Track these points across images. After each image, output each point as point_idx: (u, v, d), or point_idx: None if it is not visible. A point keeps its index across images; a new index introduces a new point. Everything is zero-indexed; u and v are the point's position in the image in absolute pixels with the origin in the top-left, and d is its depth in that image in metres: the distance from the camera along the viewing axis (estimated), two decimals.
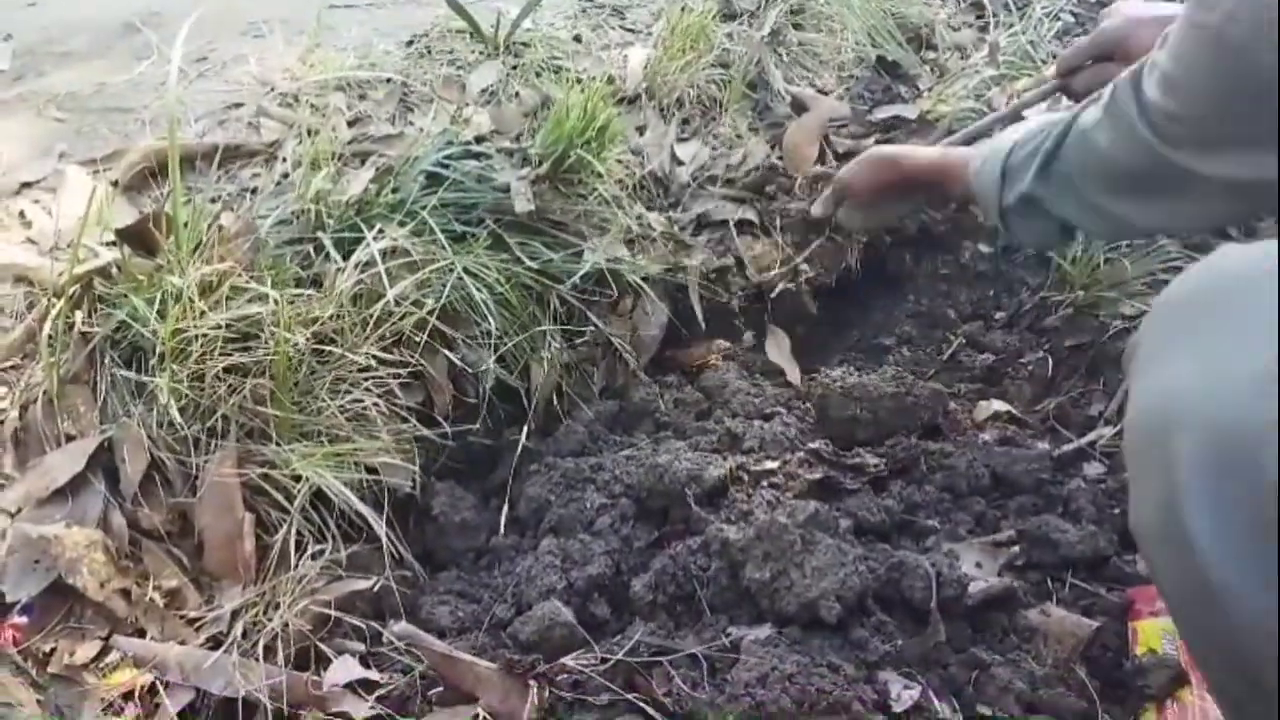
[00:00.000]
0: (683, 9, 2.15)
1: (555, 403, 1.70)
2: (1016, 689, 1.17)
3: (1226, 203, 1.10)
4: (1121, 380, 1.67)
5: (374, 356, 1.43)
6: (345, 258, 1.48)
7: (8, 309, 1.42)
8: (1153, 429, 0.77)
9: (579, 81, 1.95)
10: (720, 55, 2.15)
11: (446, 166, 1.68)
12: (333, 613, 1.28)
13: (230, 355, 1.34)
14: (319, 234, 1.54)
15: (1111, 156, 1.16)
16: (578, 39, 2.19)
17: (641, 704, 1.16)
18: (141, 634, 1.22)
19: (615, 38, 2.26)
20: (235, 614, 1.25)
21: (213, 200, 1.60)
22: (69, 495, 1.27)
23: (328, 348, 1.41)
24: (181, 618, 1.25)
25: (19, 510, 1.24)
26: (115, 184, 1.61)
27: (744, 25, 2.28)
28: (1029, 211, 1.33)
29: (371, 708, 1.17)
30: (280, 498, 1.34)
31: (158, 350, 1.33)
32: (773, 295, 1.88)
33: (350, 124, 1.84)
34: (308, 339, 1.37)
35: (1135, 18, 1.51)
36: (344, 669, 1.22)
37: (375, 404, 1.43)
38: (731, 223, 1.89)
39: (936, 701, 1.16)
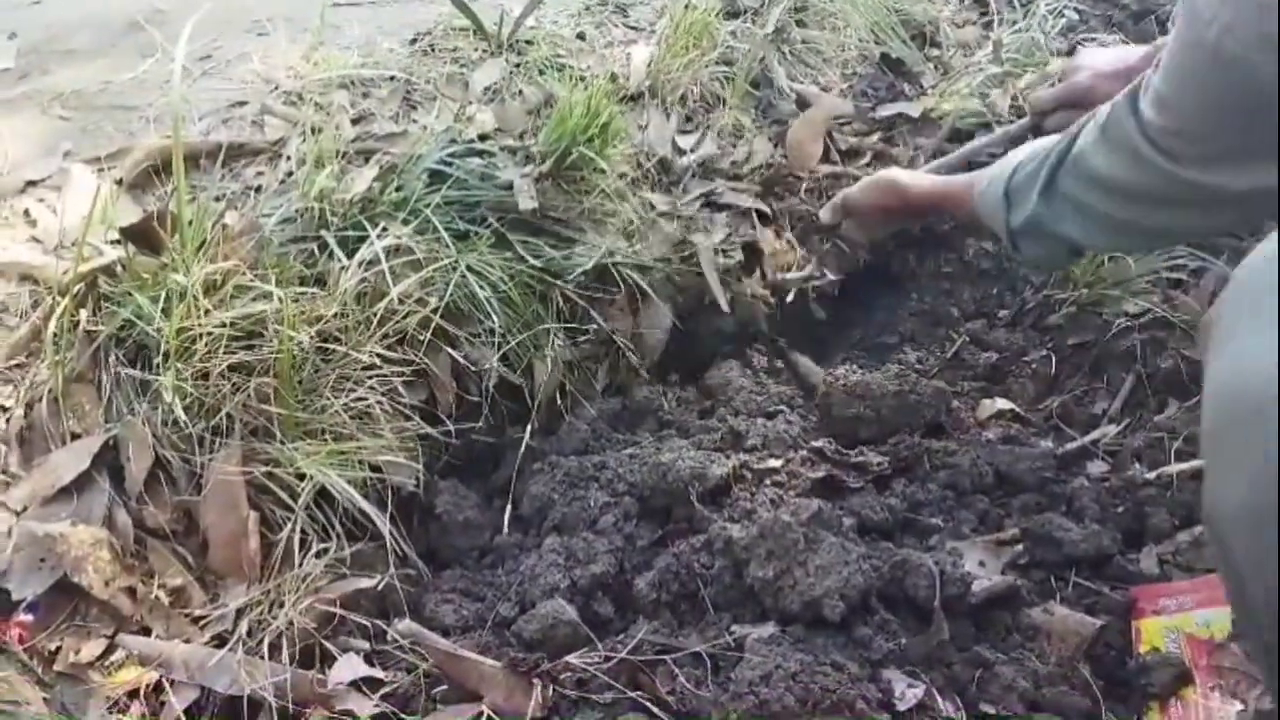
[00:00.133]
0: (686, 6, 2.15)
1: (558, 401, 1.70)
2: (1020, 688, 1.17)
3: (1234, 211, 1.10)
4: (1125, 378, 1.67)
5: (378, 355, 1.44)
6: (349, 256, 1.48)
7: (13, 307, 1.43)
8: (1245, 402, 0.73)
9: (582, 79, 1.95)
10: (724, 53, 2.15)
11: (450, 164, 1.68)
12: (337, 611, 1.28)
13: (234, 353, 1.34)
14: (323, 232, 1.54)
15: (1111, 174, 1.16)
16: (581, 36, 2.19)
17: (645, 702, 1.16)
18: (147, 632, 1.23)
19: (618, 35, 2.25)
20: (240, 612, 1.26)
21: (217, 198, 1.61)
22: (74, 493, 1.27)
23: (332, 346, 1.41)
24: (186, 616, 1.25)
25: (24, 508, 1.25)
26: (120, 182, 1.62)
27: (747, 22, 2.28)
28: (1036, 233, 1.32)
29: (376, 705, 1.18)
30: (284, 496, 1.34)
31: (162, 348, 1.33)
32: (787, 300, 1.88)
33: (354, 122, 1.84)
34: (312, 337, 1.38)
35: (1099, 71, 1.64)
36: (348, 667, 1.22)
37: (379, 402, 1.43)
38: (752, 213, 1.90)
39: (940, 700, 1.16)
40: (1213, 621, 1.20)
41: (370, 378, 1.43)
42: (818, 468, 1.51)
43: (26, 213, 1.57)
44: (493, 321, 1.56)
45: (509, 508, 1.52)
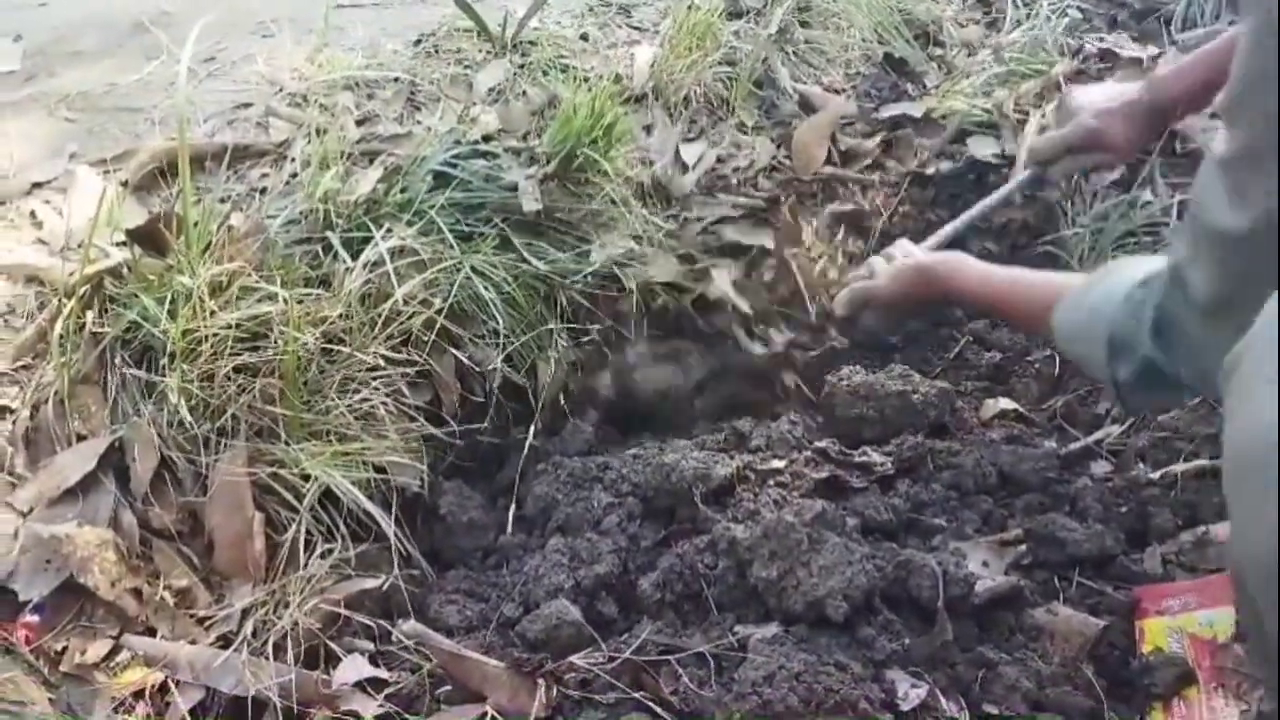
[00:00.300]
0: (689, 7, 2.16)
1: (562, 402, 1.70)
2: (1023, 688, 1.17)
3: None
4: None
5: (382, 356, 1.44)
6: (354, 257, 1.49)
7: (19, 309, 1.43)
8: (1271, 449, 0.71)
9: (586, 80, 1.96)
10: (727, 53, 2.15)
11: (454, 166, 1.68)
12: (342, 611, 1.28)
13: (240, 355, 1.35)
14: (328, 233, 1.54)
15: (1217, 231, 0.95)
16: (585, 38, 2.20)
17: (649, 702, 1.16)
18: (152, 633, 1.23)
19: (622, 36, 2.26)
20: (245, 613, 1.26)
21: (222, 200, 1.61)
22: (80, 495, 1.28)
23: (336, 347, 1.42)
24: (192, 617, 1.26)
25: (30, 510, 1.25)
26: (125, 184, 1.62)
27: (751, 23, 2.28)
28: (1151, 381, 1.13)
29: (380, 706, 1.18)
30: (289, 497, 1.34)
31: (168, 350, 1.34)
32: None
33: (358, 123, 1.84)
34: (317, 338, 1.38)
35: (1101, 109, 1.61)
36: (353, 667, 1.22)
37: (383, 403, 1.44)
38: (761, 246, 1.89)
39: (944, 700, 1.16)
40: (1216, 622, 1.20)
41: (375, 379, 1.44)
42: (821, 468, 1.51)
43: (32, 214, 1.58)
44: (497, 322, 1.57)
45: (513, 508, 1.53)
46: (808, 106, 2.14)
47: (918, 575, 1.26)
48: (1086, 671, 1.20)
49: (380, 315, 1.44)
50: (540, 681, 1.19)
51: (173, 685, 1.17)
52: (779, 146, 2.05)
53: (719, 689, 1.16)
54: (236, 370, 1.35)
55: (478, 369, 1.58)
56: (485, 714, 1.17)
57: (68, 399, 1.34)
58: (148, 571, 1.27)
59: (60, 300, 1.39)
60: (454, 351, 1.56)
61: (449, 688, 1.21)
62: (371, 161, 1.70)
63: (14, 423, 1.32)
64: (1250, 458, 0.75)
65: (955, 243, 1.75)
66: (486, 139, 1.80)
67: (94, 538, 1.23)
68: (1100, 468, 1.53)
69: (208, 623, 1.26)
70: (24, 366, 1.38)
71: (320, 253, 1.54)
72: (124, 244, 1.44)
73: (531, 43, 2.11)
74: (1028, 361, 1.80)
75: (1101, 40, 2.31)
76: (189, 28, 1.46)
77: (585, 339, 1.73)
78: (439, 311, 1.50)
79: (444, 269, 1.53)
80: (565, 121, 1.73)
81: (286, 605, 1.26)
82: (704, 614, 1.30)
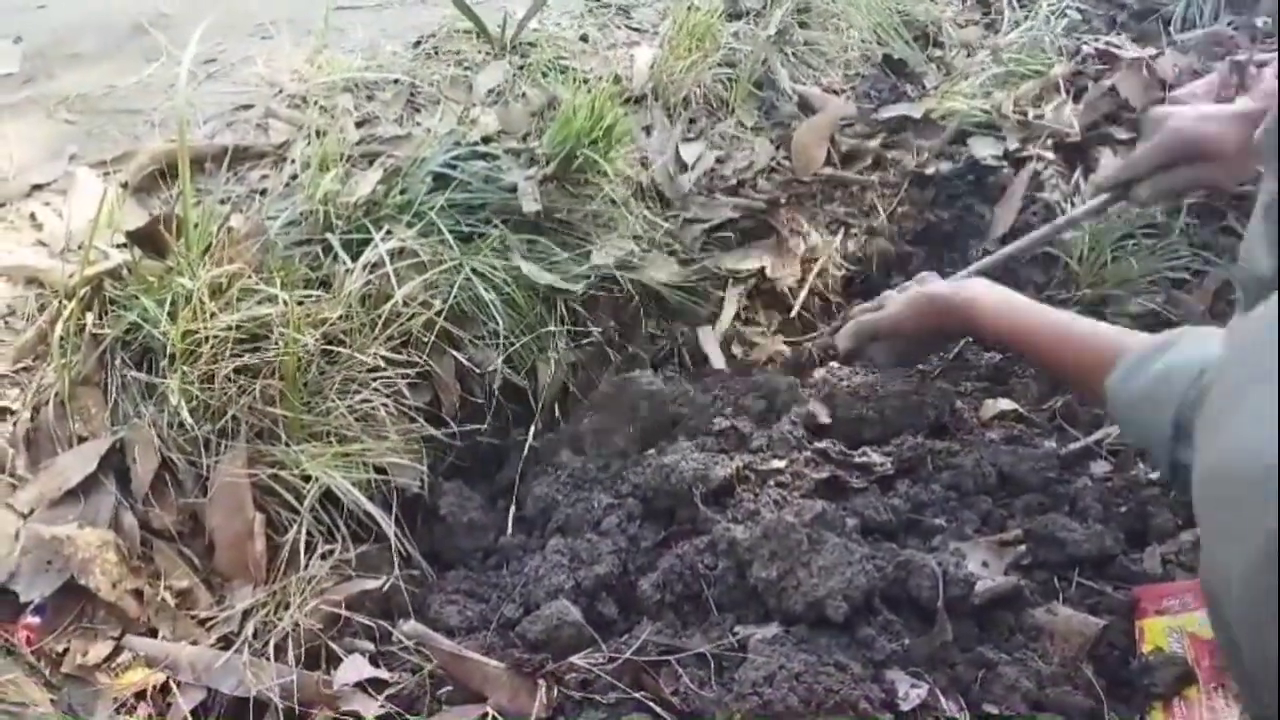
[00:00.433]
0: (689, 8, 2.16)
1: (562, 402, 1.70)
2: (1023, 688, 1.17)
3: None
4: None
5: (382, 357, 1.44)
6: (354, 259, 1.49)
7: (19, 311, 1.43)
8: (1241, 490, 0.69)
9: (585, 81, 1.96)
10: (726, 54, 2.16)
11: (454, 167, 1.68)
12: (342, 612, 1.29)
13: (240, 356, 1.35)
14: (328, 235, 1.55)
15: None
16: (584, 39, 2.20)
17: (649, 703, 1.16)
18: (153, 634, 1.23)
19: (621, 37, 2.26)
20: (246, 614, 1.26)
21: (222, 202, 1.61)
22: (81, 496, 1.28)
23: (336, 348, 1.42)
24: (193, 618, 1.26)
25: (31, 511, 1.25)
26: (125, 186, 1.62)
27: (750, 24, 2.28)
28: None
29: (381, 706, 1.18)
30: (290, 498, 1.34)
31: (168, 351, 1.34)
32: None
33: (358, 125, 1.84)
34: (317, 340, 1.38)
35: (1200, 114, 1.42)
36: (354, 668, 1.22)
37: (384, 404, 1.44)
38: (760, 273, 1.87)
39: (943, 700, 1.16)
40: None
41: (375, 380, 1.44)
42: (821, 469, 1.51)
43: (32, 216, 1.58)
44: (497, 324, 1.57)
45: (513, 509, 1.53)
46: (807, 107, 2.14)
47: (917, 575, 1.27)
48: (1086, 671, 1.20)
49: (380, 316, 1.44)
50: (541, 682, 1.20)
51: (174, 686, 1.17)
52: (778, 147, 2.05)
53: (719, 689, 1.16)
54: (237, 372, 1.35)
55: (478, 370, 1.58)
56: (486, 714, 1.17)
57: (68, 400, 1.34)
58: (149, 573, 1.28)
59: (60, 302, 1.39)
60: (454, 353, 1.56)
61: (450, 688, 1.21)
62: (371, 163, 1.70)
63: (15, 424, 1.32)
64: (1228, 483, 0.74)
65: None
66: (486, 140, 1.80)
67: (95, 539, 1.23)
68: (1100, 468, 1.53)
69: (209, 624, 1.26)
70: (24, 368, 1.38)
71: (320, 254, 1.54)
72: (124, 246, 1.44)
73: (531, 44, 2.11)
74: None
75: (1100, 41, 2.32)
76: (188, 30, 1.46)
77: (586, 340, 1.73)
78: (439, 313, 1.51)
79: (444, 270, 1.54)
80: (565, 123, 1.73)
81: (287, 606, 1.26)
82: (704, 614, 1.30)
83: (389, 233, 1.53)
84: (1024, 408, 1.69)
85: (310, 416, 1.39)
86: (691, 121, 2.07)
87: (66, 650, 1.18)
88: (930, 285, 1.54)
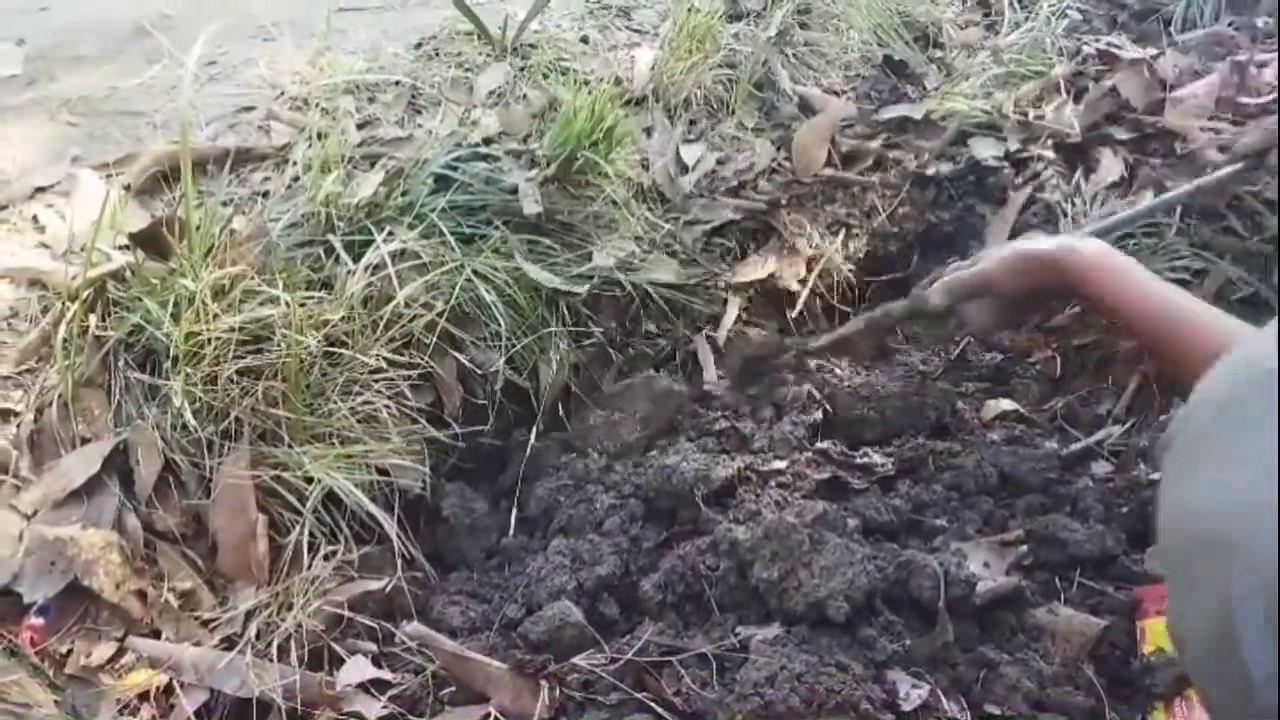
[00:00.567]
0: (689, 10, 2.16)
1: (564, 403, 1.71)
2: (1025, 688, 1.17)
3: None
4: (1129, 379, 1.67)
5: (384, 358, 1.45)
6: (355, 260, 1.49)
7: (22, 313, 1.44)
8: (1199, 544, 0.70)
9: (586, 83, 1.96)
10: (727, 56, 2.16)
11: (455, 169, 1.69)
12: (345, 613, 1.29)
13: (243, 358, 1.35)
14: (329, 237, 1.55)
15: None
16: (585, 40, 2.20)
17: (651, 703, 1.17)
18: (157, 635, 1.24)
19: (622, 39, 2.26)
20: (249, 615, 1.27)
21: (224, 204, 1.62)
22: (84, 497, 1.28)
23: (339, 350, 1.42)
24: (196, 619, 1.26)
25: (35, 512, 1.26)
26: (128, 188, 1.63)
27: (750, 26, 2.29)
28: None
29: (384, 707, 1.19)
30: (293, 499, 1.35)
31: (171, 353, 1.34)
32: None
33: (359, 127, 1.85)
34: (319, 341, 1.39)
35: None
36: (356, 669, 1.23)
37: (386, 406, 1.44)
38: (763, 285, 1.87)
39: (945, 701, 1.16)
40: None
41: (377, 381, 1.44)
42: (822, 469, 1.51)
43: (35, 218, 1.58)
44: (498, 325, 1.57)
45: (515, 510, 1.53)
46: (807, 109, 2.14)
47: (919, 576, 1.27)
48: (1088, 671, 1.21)
49: (382, 318, 1.45)
50: (543, 682, 1.20)
51: (177, 687, 1.18)
52: (779, 148, 2.05)
53: (721, 690, 1.16)
54: (239, 373, 1.35)
55: (479, 371, 1.58)
56: (488, 715, 1.17)
57: (71, 402, 1.34)
58: (152, 574, 1.28)
59: (63, 304, 1.40)
60: (456, 354, 1.57)
61: (452, 689, 1.22)
62: (373, 165, 1.71)
63: (18, 426, 1.33)
64: (1186, 540, 0.74)
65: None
66: (487, 142, 1.80)
67: (98, 540, 1.23)
68: (1101, 468, 1.53)
69: (212, 625, 1.26)
70: (28, 370, 1.38)
71: (322, 256, 1.54)
72: (126, 248, 1.44)
73: (532, 46, 2.12)
74: (1029, 363, 1.81)
75: (1100, 41, 2.32)
76: (190, 32, 1.47)
77: (587, 341, 1.73)
78: (441, 314, 1.51)
79: (445, 272, 1.54)
80: (566, 124, 1.73)
81: (290, 607, 1.26)
82: (706, 615, 1.31)
83: (390, 234, 1.53)
84: (1025, 408, 1.69)
85: (313, 418, 1.40)
86: (692, 123, 2.07)
87: (70, 651, 1.18)
88: (1034, 242, 1.43)
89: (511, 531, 1.51)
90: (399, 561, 1.37)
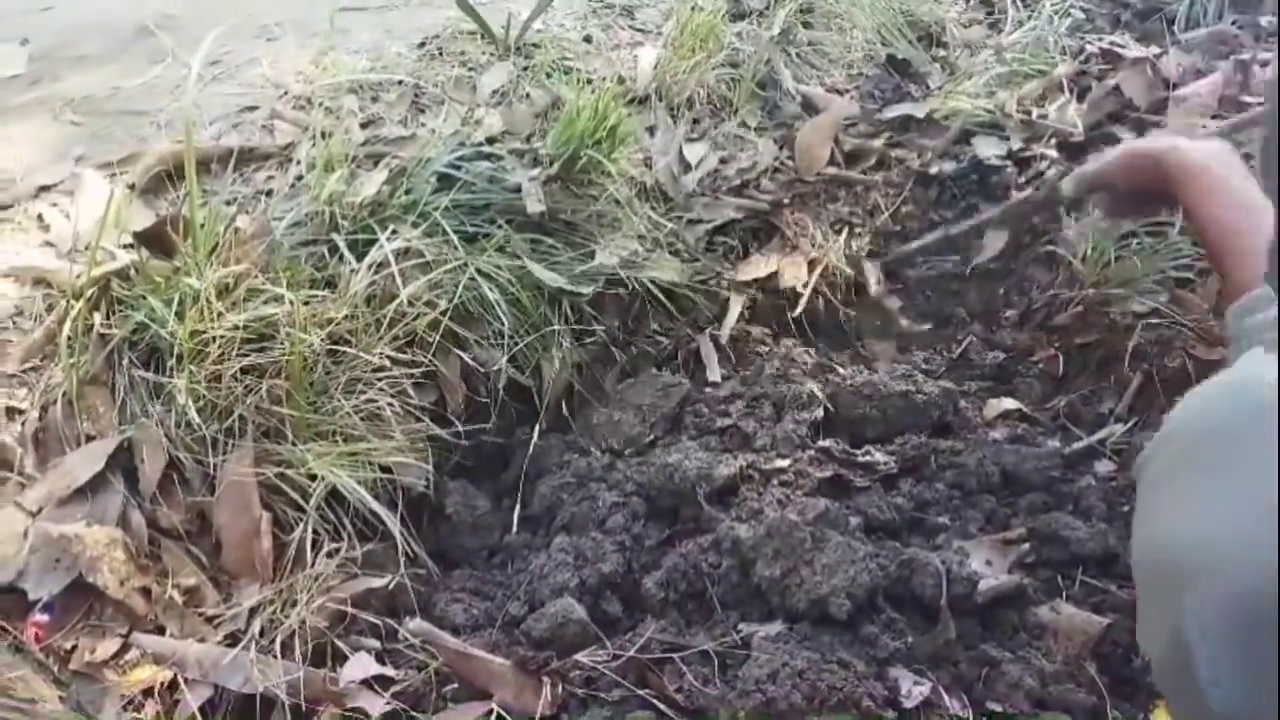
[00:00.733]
0: (692, 9, 2.16)
1: (567, 401, 1.71)
2: (1026, 686, 1.17)
3: None
4: (1132, 377, 1.67)
5: (388, 357, 1.45)
6: (359, 259, 1.49)
7: (27, 311, 1.44)
8: (1160, 573, 0.73)
9: (589, 82, 1.96)
10: (730, 55, 2.16)
11: (458, 168, 1.69)
12: (348, 610, 1.29)
13: (247, 356, 1.36)
14: (333, 235, 1.55)
15: None
16: (588, 39, 2.20)
17: (653, 700, 1.17)
18: (161, 631, 1.24)
19: (625, 38, 2.27)
20: (253, 611, 1.27)
21: (228, 203, 1.62)
22: (89, 494, 1.29)
23: (342, 348, 1.42)
24: (200, 615, 1.27)
25: (40, 509, 1.26)
26: (132, 187, 1.63)
27: (753, 24, 2.29)
28: None
29: (387, 703, 1.19)
30: (296, 497, 1.35)
31: (175, 351, 1.35)
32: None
33: (363, 126, 1.85)
34: (323, 340, 1.39)
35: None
36: (360, 665, 1.23)
37: (389, 404, 1.45)
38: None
39: (947, 698, 1.16)
40: None
41: (380, 379, 1.45)
42: (825, 467, 1.51)
43: (40, 217, 1.59)
44: (501, 323, 1.58)
45: (518, 508, 1.54)
46: (811, 107, 2.15)
47: (921, 574, 1.27)
48: (1089, 669, 1.21)
49: (385, 316, 1.45)
50: (545, 679, 1.20)
51: (182, 683, 1.18)
52: (782, 147, 2.05)
53: (723, 686, 1.17)
54: (243, 371, 1.36)
55: (482, 369, 1.59)
56: (491, 712, 1.18)
57: (76, 400, 1.35)
58: (156, 571, 1.28)
59: (68, 302, 1.40)
60: (459, 352, 1.57)
61: (455, 686, 1.22)
62: (376, 164, 1.71)
63: (23, 424, 1.33)
64: (1148, 567, 0.75)
65: None
66: (490, 141, 1.81)
67: (103, 537, 1.24)
68: (1104, 467, 1.53)
69: (216, 621, 1.26)
70: (33, 368, 1.39)
71: (326, 254, 1.55)
72: (131, 246, 1.45)
73: (535, 45, 2.12)
74: (1031, 361, 1.81)
75: (1104, 40, 2.32)
76: (193, 31, 1.48)
77: (590, 339, 1.73)
78: (444, 312, 1.51)
79: (449, 270, 1.54)
80: (569, 123, 1.74)
81: (294, 604, 1.27)
82: (708, 612, 1.31)
83: (394, 233, 1.53)
84: (1028, 407, 1.70)
85: (316, 416, 1.40)
86: (695, 122, 2.07)
87: (75, 647, 1.18)
88: (1148, 139, 1.40)
89: (514, 529, 1.51)
90: (402, 559, 1.37)
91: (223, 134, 1.81)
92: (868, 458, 1.54)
